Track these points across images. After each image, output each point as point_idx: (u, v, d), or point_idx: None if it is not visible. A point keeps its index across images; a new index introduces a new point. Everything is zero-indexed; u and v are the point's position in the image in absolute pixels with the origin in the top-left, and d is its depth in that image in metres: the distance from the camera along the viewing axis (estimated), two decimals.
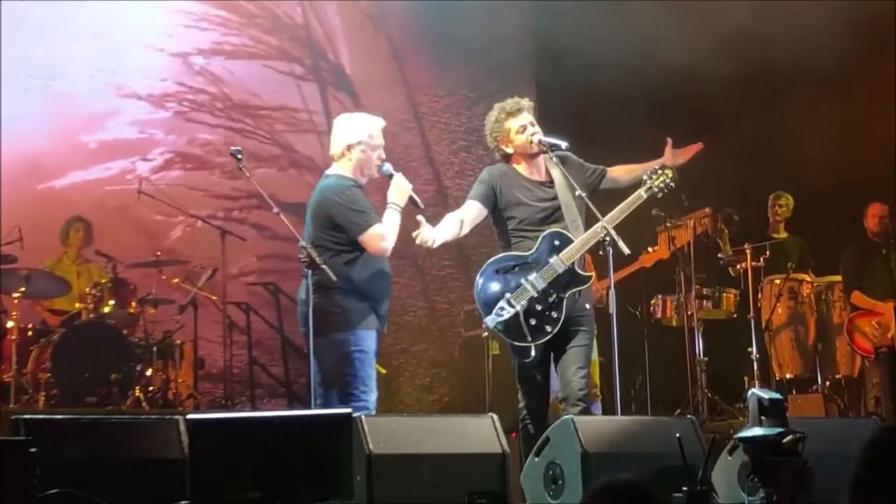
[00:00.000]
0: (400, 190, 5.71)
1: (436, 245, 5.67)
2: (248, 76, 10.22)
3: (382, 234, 5.58)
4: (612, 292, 5.68)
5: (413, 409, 9.85)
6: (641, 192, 5.80)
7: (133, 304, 8.43)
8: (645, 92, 9.26)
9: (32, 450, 4.05)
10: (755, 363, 8.49)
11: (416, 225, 5.58)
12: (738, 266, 8.87)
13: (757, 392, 4.82)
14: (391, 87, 10.66)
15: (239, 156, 5.80)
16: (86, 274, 8.80)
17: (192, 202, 9.62)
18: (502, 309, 5.59)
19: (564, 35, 9.38)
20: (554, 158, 5.82)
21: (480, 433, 4.95)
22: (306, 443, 4.16)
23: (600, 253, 5.77)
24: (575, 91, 9.45)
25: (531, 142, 5.80)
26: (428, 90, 10.86)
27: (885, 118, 9.11)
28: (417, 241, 5.59)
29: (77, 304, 8.43)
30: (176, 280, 8.70)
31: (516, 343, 5.64)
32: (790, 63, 8.88)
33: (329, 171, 5.83)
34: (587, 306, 5.81)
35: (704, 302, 8.83)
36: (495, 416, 5.05)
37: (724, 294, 8.91)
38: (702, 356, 8.62)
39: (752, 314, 8.59)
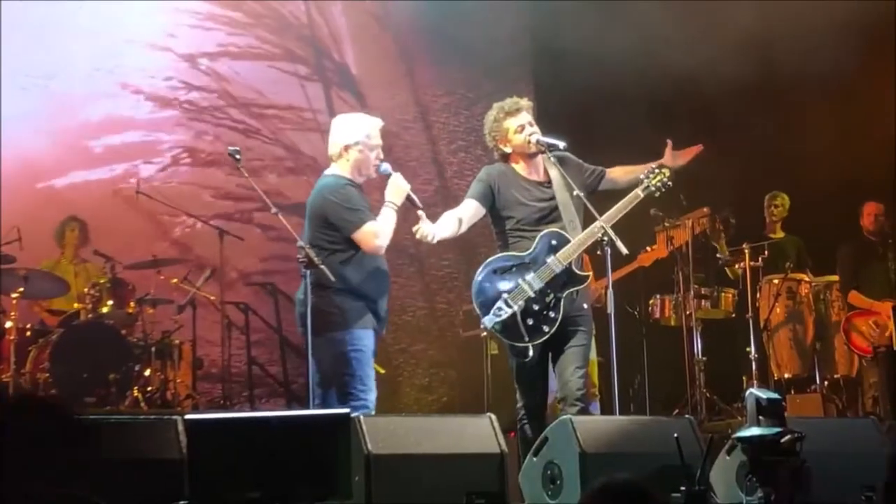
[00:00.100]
0: (397, 189, 5.71)
1: (435, 240, 5.68)
2: (253, 76, 10.22)
3: (376, 232, 5.59)
4: (610, 292, 5.69)
5: (412, 409, 9.84)
6: (638, 192, 5.80)
7: (132, 304, 8.42)
8: (644, 92, 9.27)
9: None
10: (753, 363, 8.50)
11: (417, 221, 5.59)
12: (737, 266, 8.88)
13: (755, 392, 4.82)
14: (390, 87, 10.66)
15: (237, 156, 5.82)
16: (83, 274, 8.79)
17: (196, 202, 9.63)
18: (500, 309, 5.59)
19: (563, 35, 9.38)
20: (552, 158, 5.83)
21: (479, 433, 4.95)
22: (305, 443, 4.16)
23: (598, 253, 5.78)
24: (573, 91, 9.45)
25: (529, 142, 5.80)
26: (426, 90, 10.86)
27: (884, 118, 9.11)
28: (417, 236, 5.61)
29: (75, 305, 8.42)
30: (174, 280, 8.70)
31: (514, 343, 5.65)
32: (790, 64, 8.89)
33: (327, 172, 5.84)
34: (585, 306, 5.82)
35: (703, 302, 8.83)
36: (493, 417, 5.05)
37: (723, 294, 8.91)
38: (700, 356, 8.62)
39: (750, 314, 8.59)
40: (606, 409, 7.10)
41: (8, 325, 7.95)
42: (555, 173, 5.83)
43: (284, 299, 9.51)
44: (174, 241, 9.67)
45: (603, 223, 5.62)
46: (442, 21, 10.05)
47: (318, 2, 10.61)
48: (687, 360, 8.68)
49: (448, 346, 10.13)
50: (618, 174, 5.98)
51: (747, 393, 4.90)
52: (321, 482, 4.13)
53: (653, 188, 5.82)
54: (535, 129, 5.84)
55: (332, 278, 5.46)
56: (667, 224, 8.59)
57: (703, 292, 8.84)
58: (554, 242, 5.70)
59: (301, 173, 10.02)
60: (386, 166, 5.78)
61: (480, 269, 5.73)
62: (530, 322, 5.61)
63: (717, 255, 8.93)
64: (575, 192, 5.75)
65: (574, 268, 5.71)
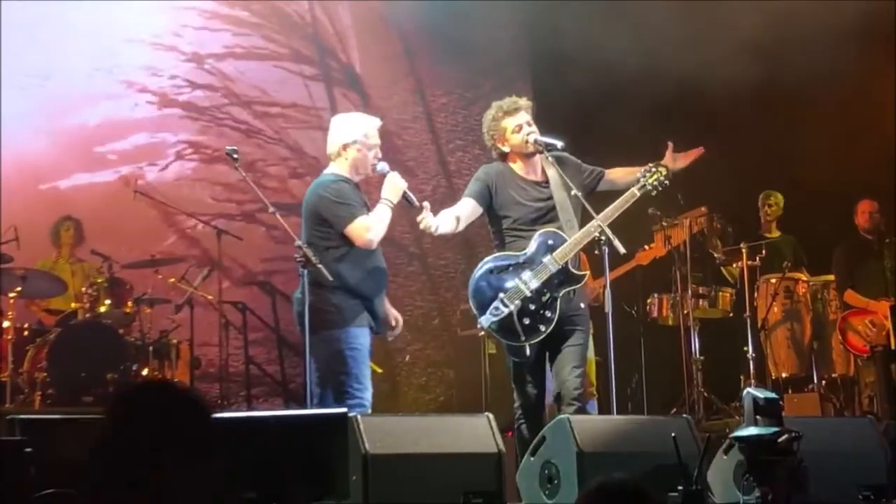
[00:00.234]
0: (394, 187, 5.72)
1: (437, 232, 5.69)
2: (258, 75, 10.21)
3: (367, 226, 5.59)
4: (607, 291, 5.69)
5: (409, 409, 9.85)
6: (635, 191, 5.80)
7: (129, 303, 8.42)
8: (643, 92, 9.25)
9: (28, 450, 4.05)
10: (751, 362, 8.50)
11: (416, 217, 5.61)
12: (735, 265, 8.88)
13: (752, 391, 4.83)
14: (389, 87, 10.65)
15: (235, 155, 5.82)
16: (80, 273, 8.78)
17: (201, 201, 9.63)
18: (497, 308, 5.60)
19: (561, 35, 9.38)
20: (549, 158, 5.83)
21: (476, 433, 4.95)
22: (302, 443, 4.16)
23: (596, 252, 5.78)
24: (572, 91, 9.44)
25: (527, 141, 5.80)
26: (425, 90, 10.86)
27: (884, 118, 9.12)
28: (421, 226, 5.62)
29: (73, 304, 8.42)
30: (172, 280, 8.70)
31: (510, 343, 5.66)
32: (790, 64, 8.88)
33: (325, 171, 5.85)
34: (582, 305, 5.83)
35: (700, 301, 8.84)
36: (491, 416, 5.05)
37: (721, 293, 8.92)
38: (698, 355, 8.62)
39: (748, 313, 8.60)
40: (604, 409, 7.09)
41: (5, 324, 7.96)
42: (552, 173, 5.84)
43: (282, 299, 9.51)
44: (173, 240, 9.66)
45: (600, 222, 5.63)
46: (440, 21, 10.04)
47: (323, 1, 10.60)
48: (684, 360, 8.68)
49: (446, 345, 10.13)
50: (617, 175, 5.98)
51: (745, 392, 4.91)
52: (319, 482, 4.13)
53: (649, 187, 5.82)
54: (534, 128, 5.84)
55: (330, 277, 5.47)
56: (664, 223, 8.60)
57: (700, 291, 8.84)
58: (551, 242, 5.70)
59: (307, 173, 10.03)
60: (383, 165, 5.78)
61: (477, 269, 5.74)
62: (527, 321, 5.61)
63: (715, 255, 8.94)
64: (573, 192, 5.75)
65: (571, 267, 5.71)
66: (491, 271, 5.69)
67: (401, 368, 10.21)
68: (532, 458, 5.12)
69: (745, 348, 8.58)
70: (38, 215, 8.89)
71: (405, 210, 5.86)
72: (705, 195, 8.66)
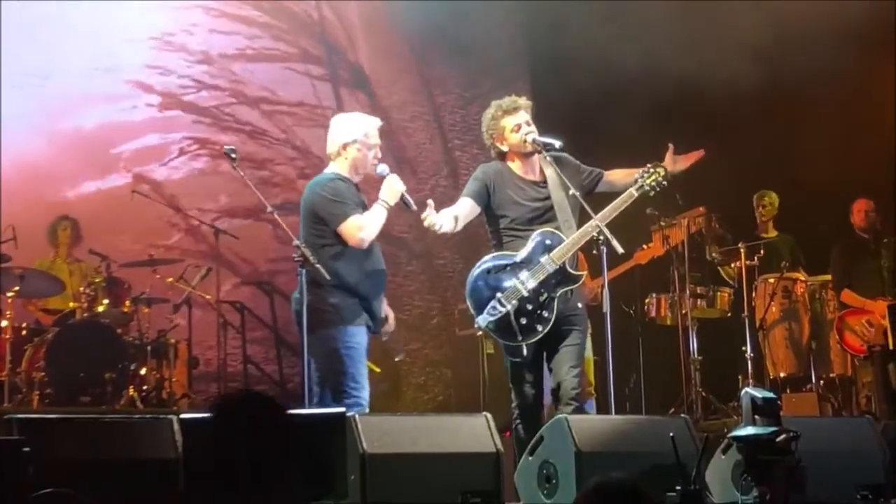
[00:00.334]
0: (392, 189, 5.72)
1: (441, 231, 5.68)
2: (265, 74, 10.21)
3: (360, 225, 5.59)
4: (605, 291, 5.69)
5: (407, 409, 9.84)
6: (633, 191, 5.79)
7: (127, 303, 8.42)
8: (641, 92, 9.25)
9: (26, 449, 4.05)
10: (749, 362, 8.49)
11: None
12: (734, 265, 8.88)
13: (751, 391, 4.84)
14: (390, 86, 10.65)
15: (233, 155, 5.83)
16: (78, 273, 8.79)
17: (208, 201, 9.62)
18: (494, 308, 5.60)
19: (560, 34, 9.38)
20: (548, 158, 5.82)
21: (474, 432, 4.95)
22: (301, 442, 4.15)
23: (594, 252, 5.78)
24: (570, 91, 9.44)
25: (525, 141, 5.80)
26: (423, 89, 10.86)
27: (883, 118, 9.12)
28: (426, 224, 5.61)
29: (71, 304, 8.42)
30: (170, 279, 8.69)
31: (507, 342, 5.66)
32: (789, 64, 8.89)
33: (325, 171, 5.85)
34: (579, 305, 5.82)
35: (699, 301, 8.84)
36: (489, 416, 5.05)
37: (719, 293, 8.92)
38: (696, 355, 8.62)
39: (746, 313, 8.60)
40: (602, 408, 7.10)
41: (3, 324, 7.95)
42: (551, 173, 5.83)
43: (280, 298, 9.51)
44: (173, 240, 9.65)
45: (598, 222, 5.63)
46: (440, 20, 10.03)
47: (330, 1, 10.59)
48: (683, 360, 8.68)
49: (444, 345, 10.13)
50: (616, 177, 5.97)
51: (743, 392, 4.91)
52: (317, 481, 4.13)
53: (647, 188, 5.81)
54: (532, 128, 5.84)
55: (328, 276, 5.47)
56: (663, 223, 8.60)
57: (698, 291, 8.84)
58: (548, 242, 5.70)
59: (312, 173, 10.01)
60: (383, 167, 5.78)
61: (475, 268, 5.74)
62: (524, 321, 5.61)
63: (713, 255, 8.94)
64: (571, 192, 5.75)
65: (568, 267, 5.71)
66: (488, 271, 5.69)
67: (399, 368, 10.20)
68: (530, 458, 5.12)
69: (744, 348, 8.57)
70: (37, 215, 8.88)
71: (404, 209, 5.85)
72: (704, 195, 8.66)
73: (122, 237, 9.18)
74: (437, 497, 4.64)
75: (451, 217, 5.75)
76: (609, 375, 5.74)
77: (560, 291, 5.68)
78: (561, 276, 5.68)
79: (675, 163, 5.95)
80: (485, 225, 5.95)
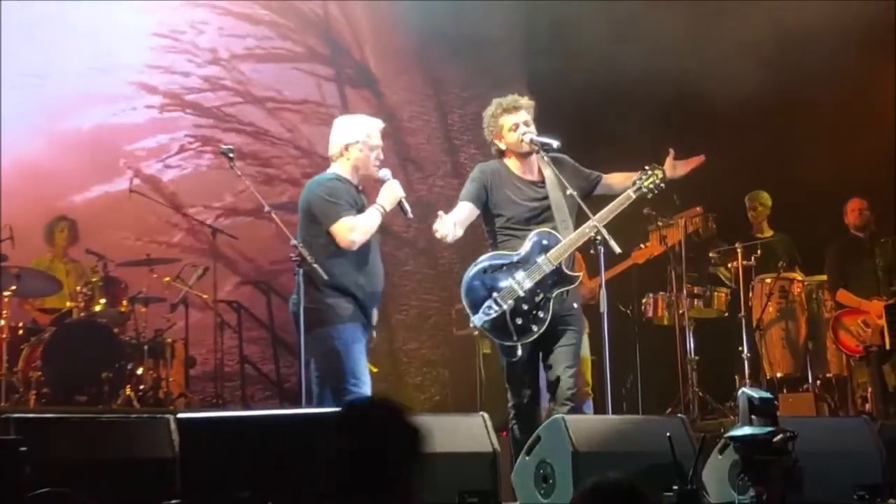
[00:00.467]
0: (391, 194, 5.71)
1: (450, 241, 5.66)
2: (271, 73, 10.20)
3: (352, 226, 5.57)
4: (602, 291, 5.69)
5: None
6: (630, 193, 5.79)
7: (124, 302, 8.41)
8: (642, 91, 9.26)
9: (23, 449, 4.05)
10: (746, 362, 8.50)
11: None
12: (729, 265, 8.89)
13: (747, 391, 4.84)
14: (388, 86, 10.65)
15: (230, 154, 5.82)
16: (74, 272, 8.78)
17: (214, 198, 9.61)
18: (489, 308, 5.60)
19: (558, 34, 9.38)
20: (546, 158, 5.82)
21: (471, 432, 4.95)
22: (298, 442, 4.15)
23: (592, 252, 5.78)
24: (568, 91, 9.44)
25: (522, 140, 5.79)
26: (420, 89, 10.85)
27: (883, 119, 9.13)
28: (438, 235, 5.60)
29: (68, 303, 8.41)
30: (167, 279, 8.69)
31: (503, 342, 5.65)
32: (789, 64, 8.89)
33: (326, 171, 5.85)
34: (575, 305, 5.82)
35: (696, 301, 8.84)
36: (486, 415, 5.06)
37: (716, 293, 8.92)
38: (693, 355, 8.63)
39: (742, 313, 8.60)
40: (599, 408, 7.10)
41: (0, 323, 7.94)
42: (549, 173, 5.83)
43: (277, 298, 9.50)
44: (173, 240, 9.65)
45: (596, 222, 5.63)
46: (439, 20, 10.02)
47: (336, 1, 10.59)
48: (680, 359, 8.68)
49: (441, 344, 10.12)
50: (615, 180, 5.96)
51: (740, 392, 4.91)
52: (315, 481, 4.13)
53: (645, 189, 5.81)
54: (531, 128, 5.83)
55: (325, 276, 5.46)
56: (660, 223, 8.60)
57: (695, 291, 8.84)
58: (545, 242, 5.69)
59: (315, 173, 10.00)
60: (385, 172, 5.78)
61: (471, 268, 5.73)
62: (519, 321, 5.61)
63: (710, 255, 8.94)
64: (568, 192, 5.74)
65: (565, 268, 5.71)
66: (485, 270, 5.69)
67: (396, 368, 10.20)
68: (527, 458, 5.12)
69: (740, 348, 8.58)
70: (36, 215, 8.87)
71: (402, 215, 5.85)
72: (702, 195, 8.66)
73: (123, 237, 9.17)
74: (435, 497, 4.63)
75: (451, 224, 5.72)
76: (606, 375, 5.74)
77: (556, 292, 5.67)
78: (557, 277, 5.68)
79: (674, 168, 5.93)
80: (481, 224, 5.94)
